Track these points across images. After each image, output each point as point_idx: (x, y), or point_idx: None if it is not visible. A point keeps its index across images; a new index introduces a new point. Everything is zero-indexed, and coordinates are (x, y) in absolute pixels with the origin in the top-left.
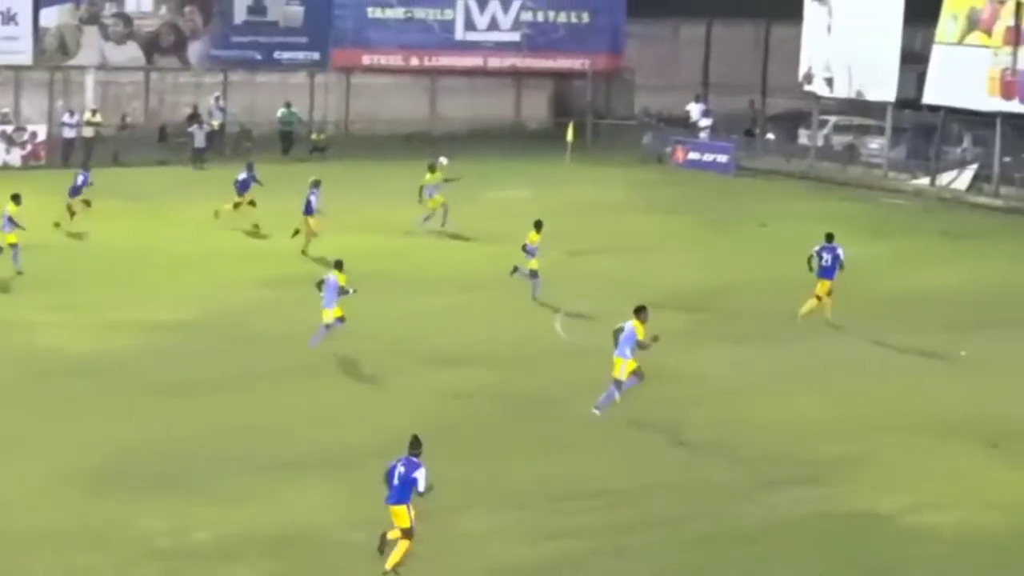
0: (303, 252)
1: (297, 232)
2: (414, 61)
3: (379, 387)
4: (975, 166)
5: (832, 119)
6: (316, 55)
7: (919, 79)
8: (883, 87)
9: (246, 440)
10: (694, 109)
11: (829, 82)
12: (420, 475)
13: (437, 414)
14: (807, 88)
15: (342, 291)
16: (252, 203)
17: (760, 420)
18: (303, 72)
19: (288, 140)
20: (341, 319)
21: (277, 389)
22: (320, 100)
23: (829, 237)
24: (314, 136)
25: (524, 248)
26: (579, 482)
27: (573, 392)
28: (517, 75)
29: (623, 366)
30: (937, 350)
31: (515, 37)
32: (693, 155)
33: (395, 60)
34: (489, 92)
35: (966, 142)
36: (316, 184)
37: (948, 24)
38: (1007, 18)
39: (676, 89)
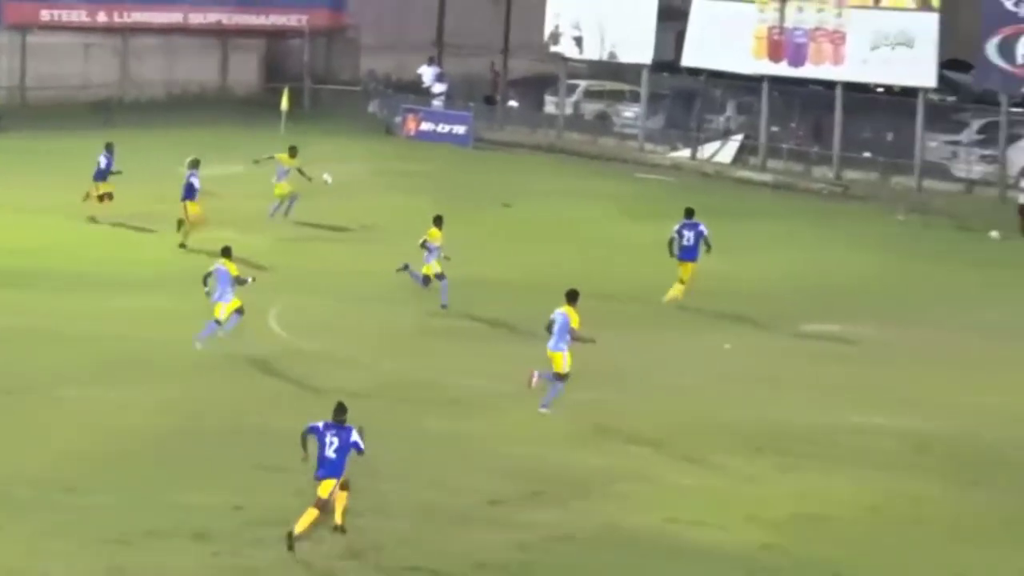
0: (181, 245)
1: (181, 222)
2: (102, 17)
3: (47, 401)
4: (740, 137)
5: (582, 84)
6: None
7: (678, 39)
8: (638, 48)
9: None
10: (427, 73)
11: (578, 42)
12: (357, 436)
13: (110, 435)
14: (554, 49)
15: (238, 281)
16: (110, 195)
17: (505, 431)
18: None
19: None
20: (240, 311)
21: None
22: None
23: (689, 212)
24: None
25: (424, 246)
26: (275, 510)
27: (279, 402)
28: (223, 34)
29: (564, 359)
30: (700, 347)
31: None
32: (426, 125)
33: (79, 16)
34: (191, 53)
35: (730, 110)
36: (195, 164)
37: None
38: None
39: (406, 50)
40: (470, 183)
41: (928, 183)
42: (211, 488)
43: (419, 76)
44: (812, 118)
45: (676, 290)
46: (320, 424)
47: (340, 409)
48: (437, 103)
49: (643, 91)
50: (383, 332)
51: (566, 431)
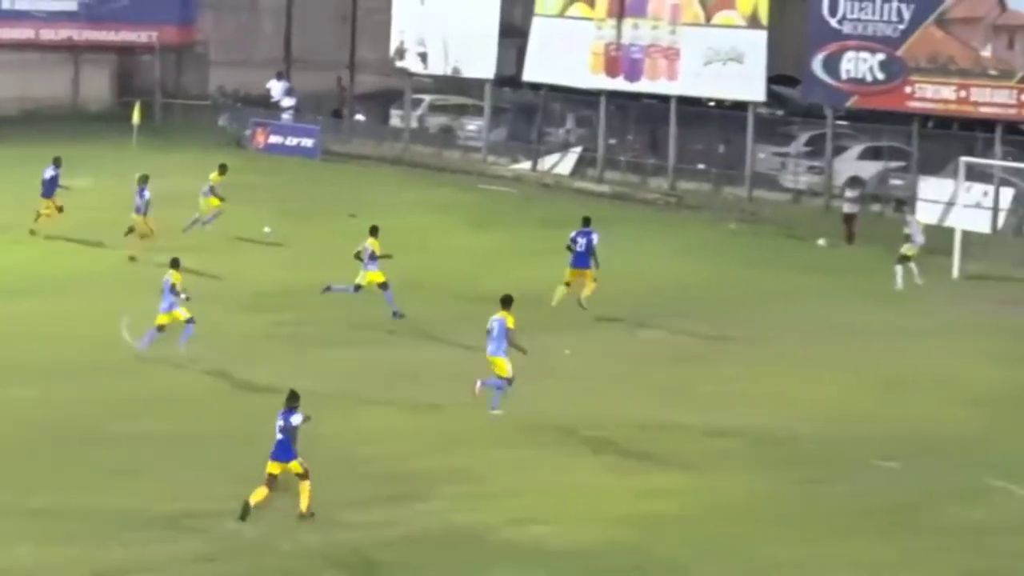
0: (131, 258)
1: (131, 230)
2: None
3: None
4: (579, 149)
5: (427, 98)
6: None
7: (519, 54)
8: (481, 63)
9: None
10: (275, 87)
11: (423, 58)
12: (297, 418)
13: None
14: (399, 64)
15: (174, 291)
16: (60, 208)
17: (345, 432)
18: None
19: None
20: (190, 320)
21: None
22: None
23: (586, 221)
24: None
25: (365, 256)
26: (137, 511)
27: (135, 408)
28: (75, 50)
29: (506, 364)
30: (540, 350)
31: (72, 6)
32: (275, 138)
33: None
34: (43, 68)
35: (569, 123)
36: (145, 180)
37: None
38: None
39: (255, 65)
40: (318, 194)
41: (758, 193)
42: (67, 490)
43: (268, 91)
44: (648, 131)
45: (560, 292)
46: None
47: (291, 396)
48: (286, 117)
49: (486, 105)
50: (233, 338)
51: (410, 433)
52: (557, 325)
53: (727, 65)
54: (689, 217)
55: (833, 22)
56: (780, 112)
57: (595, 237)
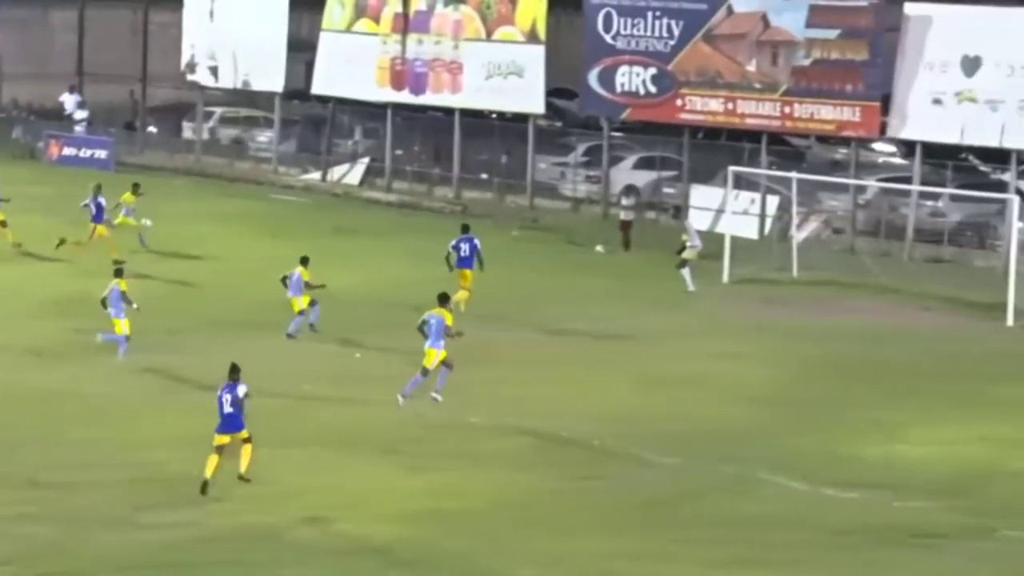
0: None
1: (66, 241)
2: None
3: None
4: (367, 160)
5: (218, 111)
6: None
7: (308, 68)
8: (270, 77)
9: None
10: (68, 100)
11: (214, 71)
12: (242, 389)
13: None
14: (191, 78)
15: (125, 299)
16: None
17: (138, 438)
18: None
19: None
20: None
21: None
22: None
23: (465, 228)
24: None
25: (291, 283)
26: None
27: None
28: None
29: (436, 356)
30: (330, 354)
31: None
32: (69, 150)
33: None
34: None
35: (357, 134)
36: (98, 188)
37: (335, 10)
38: (395, 5)
39: (48, 78)
40: (112, 204)
41: (539, 201)
42: None
43: (61, 103)
44: (433, 142)
45: (463, 295)
46: (219, 389)
47: (233, 369)
48: (79, 129)
49: (276, 117)
50: (25, 346)
51: (204, 437)
52: (355, 328)
53: (508, 79)
54: (474, 224)
55: (608, 37)
56: (559, 124)
57: (477, 242)
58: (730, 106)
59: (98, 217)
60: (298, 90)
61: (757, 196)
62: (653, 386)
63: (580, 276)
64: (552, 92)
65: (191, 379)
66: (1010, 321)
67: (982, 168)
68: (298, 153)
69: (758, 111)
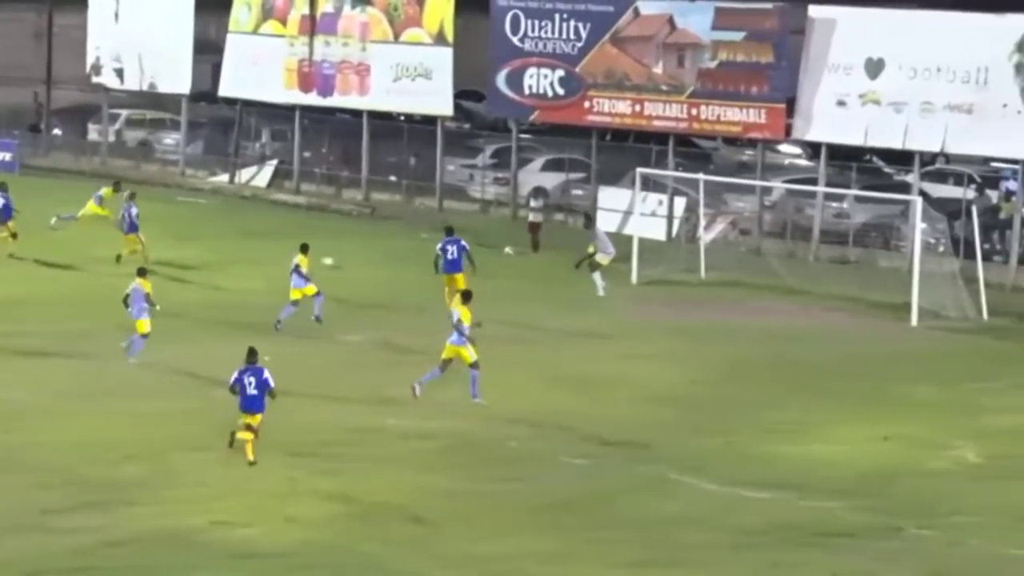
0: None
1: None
2: None
3: None
4: (275, 162)
5: (124, 113)
6: None
7: (215, 70)
8: (177, 79)
9: None
10: None
11: (119, 73)
12: (268, 375)
13: None
14: (96, 80)
15: (148, 300)
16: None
17: (48, 442)
18: None
19: None
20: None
21: None
22: None
23: (449, 230)
24: None
25: (298, 272)
26: None
27: None
28: None
29: (470, 350)
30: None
31: None
32: None
33: None
34: None
35: (265, 137)
36: (132, 196)
37: (242, 12)
38: (302, 7)
39: None
40: (17, 208)
41: (448, 203)
42: None
43: None
44: (341, 144)
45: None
46: (236, 373)
47: (251, 353)
48: None
49: (183, 119)
50: None
51: (115, 441)
52: (263, 331)
53: (416, 81)
54: (383, 226)
55: (515, 40)
56: (467, 126)
57: (465, 243)
58: (637, 108)
59: (132, 227)
60: (205, 92)
61: (665, 198)
62: (564, 387)
63: (491, 278)
64: (460, 94)
65: (101, 383)
66: (914, 321)
67: (886, 170)
68: (205, 155)
69: (665, 113)
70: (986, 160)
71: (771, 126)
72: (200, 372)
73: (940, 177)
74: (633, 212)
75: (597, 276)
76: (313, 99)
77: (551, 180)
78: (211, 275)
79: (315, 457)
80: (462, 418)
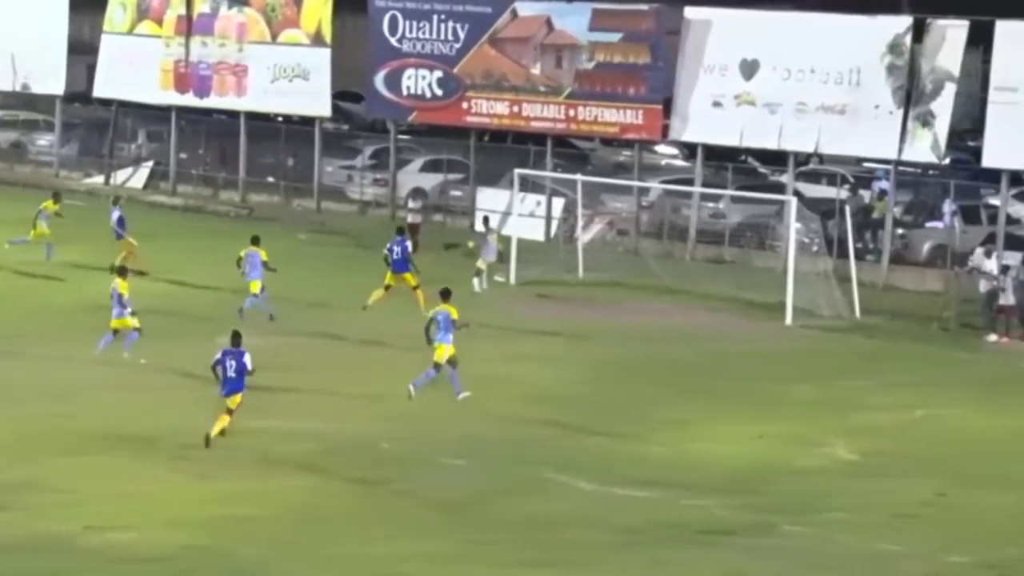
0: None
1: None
2: None
3: None
4: (151, 163)
5: None
6: None
7: (90, 71)
8: (51, 79)
9: None
10: None
11: None
12: (247, 359)
13: None
14: None
15: (122, 300)
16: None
17: None
18: None
19: None
20: (138, 329)
21: None
22: None
23: (400, 231)
24: None
25: (245, 266)
26: None
27: None
28: None
29: (446, 351)
30: (119, 361)
31: None
32: None
33: None
34: None
35: (141, 138)
36: (116, 201)
37: (117, 13)
38: (178, 7)
39: None
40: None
41: (327, 205)
42: None
43: None
44: (219, 145)
45: (377, 295)
46: (219, 354)
47: (236, 336)
48: None
49: (57, 120)
50: None
51: None
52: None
53: (293, 82)
54: (261, 228)
55: (393, 40)
56: (346, 127)
57: (408, 245)
58: (515, 109)
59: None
60: (80, 93)
61: (543, 198)
62: (441, 387)
63: (369, 279)
64: (338, 95)
65: None
66: (789, 320)
67: (761, 170)
68: (80, 157)
69: (543, 114)
70: (859, 160)
71: (648, 127)
72: (80, 375)
73: (814, 177)
74: (511, 213)
75: (476, 281)
76: (190, 100)
77: (430, 181)
78: (85, 277)
79: (194, 460)
80: (337, 419)
